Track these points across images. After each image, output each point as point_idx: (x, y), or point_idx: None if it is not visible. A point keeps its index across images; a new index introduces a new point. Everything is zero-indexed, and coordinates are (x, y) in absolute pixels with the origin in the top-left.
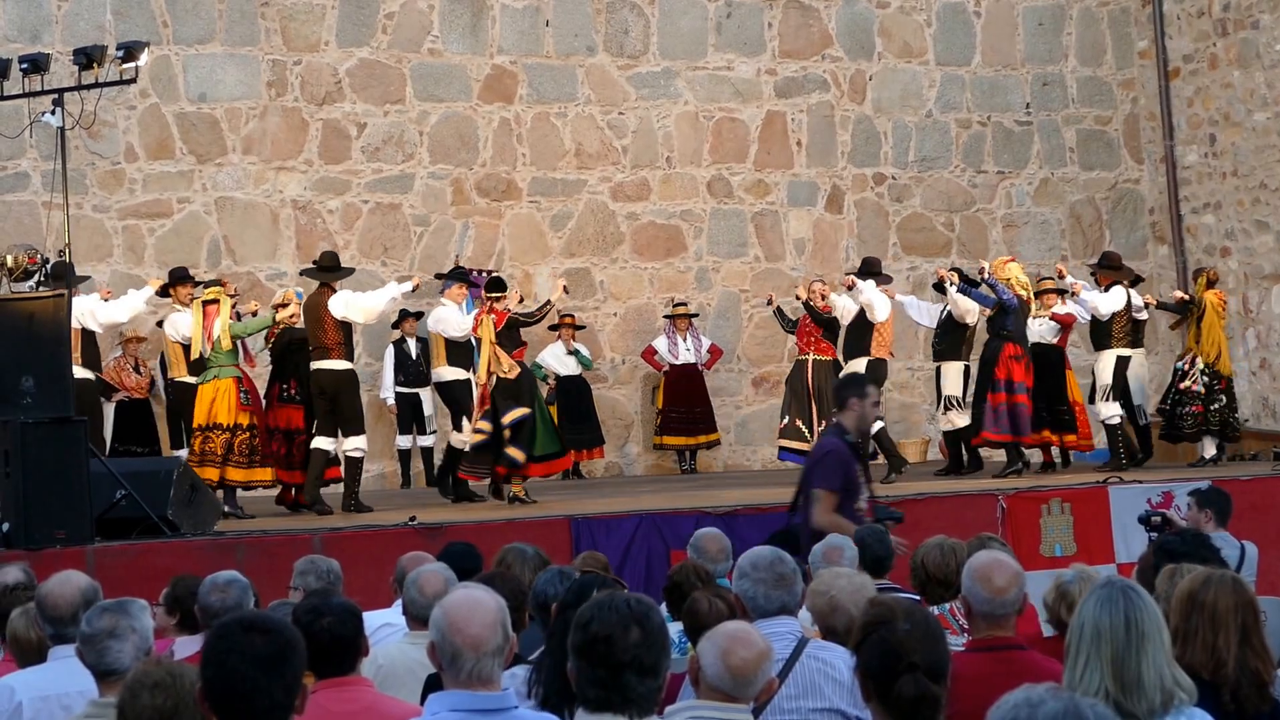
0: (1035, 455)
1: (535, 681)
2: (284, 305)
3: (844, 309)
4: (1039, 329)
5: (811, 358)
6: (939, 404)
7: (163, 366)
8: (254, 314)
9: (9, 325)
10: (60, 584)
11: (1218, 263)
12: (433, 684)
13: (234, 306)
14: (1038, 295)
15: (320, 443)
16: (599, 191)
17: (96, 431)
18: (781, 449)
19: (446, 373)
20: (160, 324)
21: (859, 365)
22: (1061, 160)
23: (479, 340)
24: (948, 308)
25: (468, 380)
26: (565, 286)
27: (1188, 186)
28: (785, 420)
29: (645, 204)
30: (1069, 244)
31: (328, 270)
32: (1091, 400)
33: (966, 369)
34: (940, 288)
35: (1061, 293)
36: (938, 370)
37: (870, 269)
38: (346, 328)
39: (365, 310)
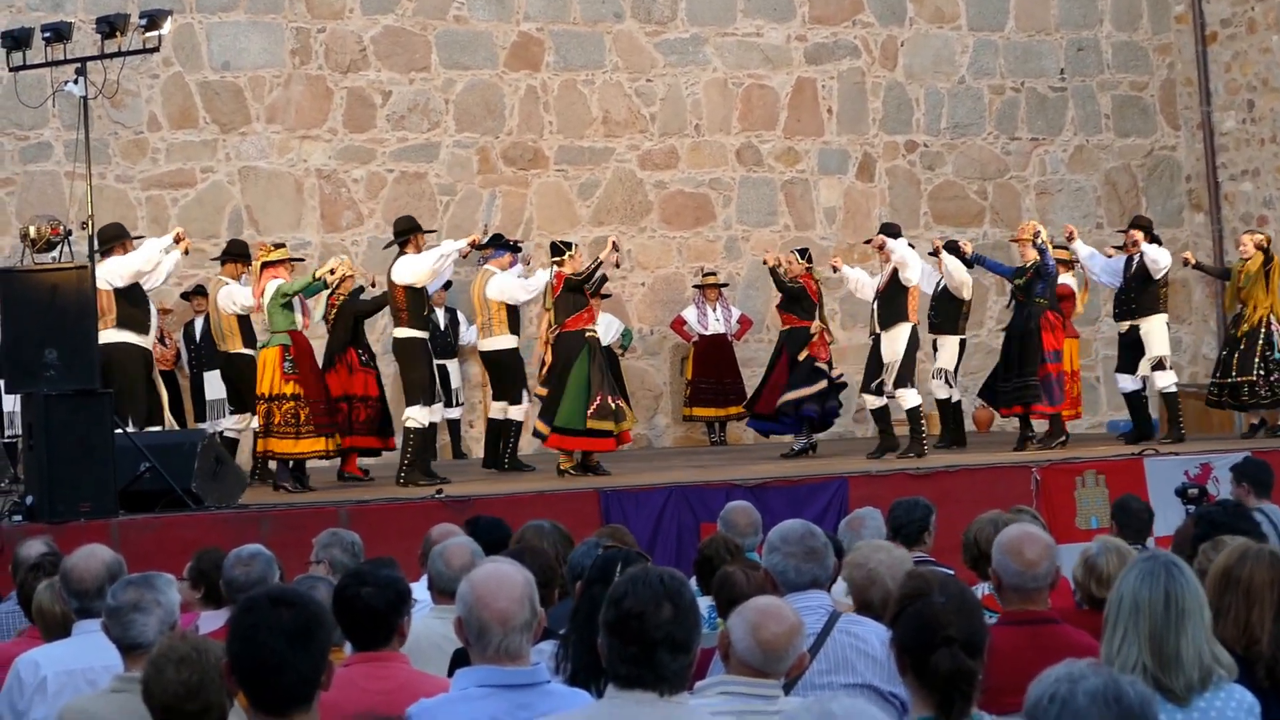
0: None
1: (563, 657)
2: (350, 276)
3: (856, 281)
4: None
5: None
6: (932, 376)
7: (196, 338)
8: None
9: (32, 297)
10: (85, 558)
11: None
12: (460, 659)
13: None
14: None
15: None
16: (627, 160)
17: (133, 397)
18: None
19: (503, 341)
20: (186, 296)
21: (900, 332)
22: (1096, 127)
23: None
24: (941, 281)
25: (517, 349)
26: (615, 243)
27: (1225, 153)
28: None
29: (674, 172)
30: (1104, 211)
31: (398, 235)
32: (1123, 370)
33: (962, 343)
34: (954, 252)
35: (1063, 264)
36: (933, 343)
37: (889, 233)
38: (414, 293)
39: (414, 272)
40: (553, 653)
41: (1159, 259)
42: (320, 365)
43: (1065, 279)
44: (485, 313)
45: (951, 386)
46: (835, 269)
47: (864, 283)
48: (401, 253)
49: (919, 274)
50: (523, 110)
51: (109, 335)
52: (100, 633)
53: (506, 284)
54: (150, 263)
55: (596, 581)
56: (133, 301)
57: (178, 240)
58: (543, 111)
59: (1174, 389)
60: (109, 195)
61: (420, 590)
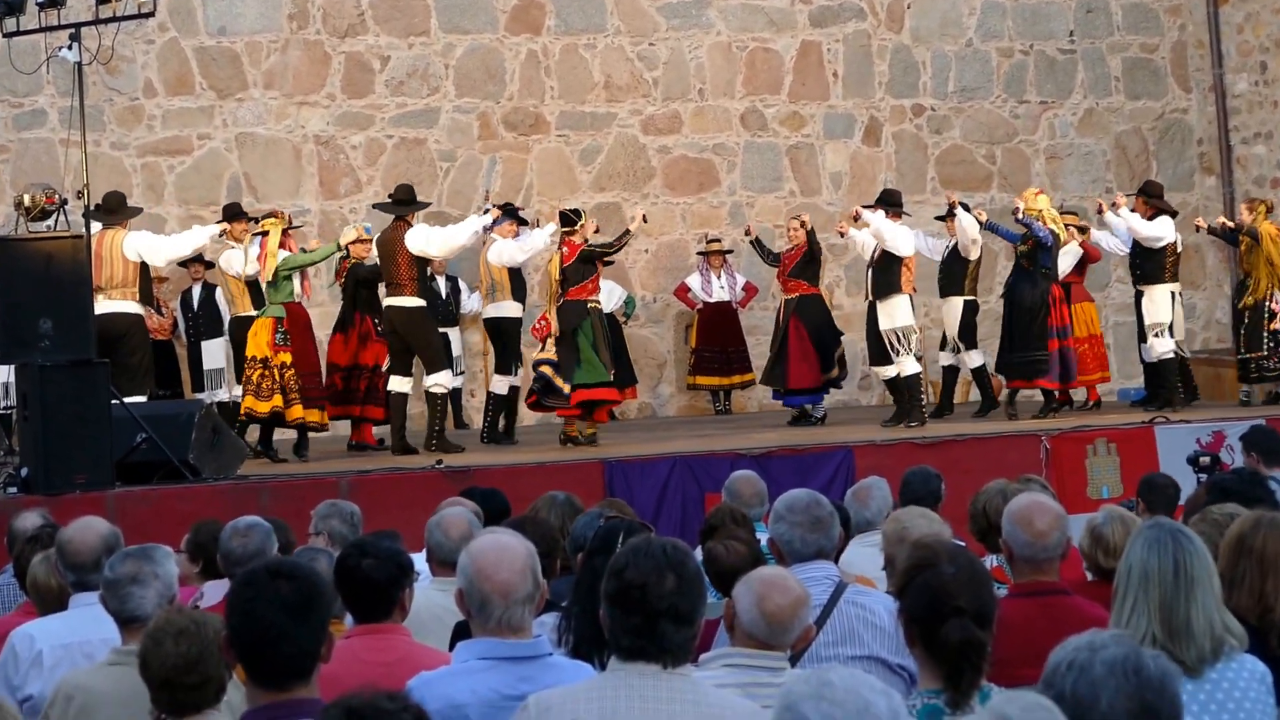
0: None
1: (565, 629)
2: (365, 240)
3: (864, 245)
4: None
5: (783, 296)
6: (948, 344)
7: (194, 306)
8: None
9: (27, 266)
10: (81, 530)
11: (1268, 194)
12: (461, 631)
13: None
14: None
15: (397, 384)
16: (629, 125)
17: (148, 370)
18: (775, 392)
19: (509, 308)
20: (183, 263)
21: (894, 304)
22: (1106, 90)
23: (546, 273)
24: (950, 242)
25: (521, 319)
26: (644, 216)
27: (1237, 116)
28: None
29: (677, 137)
30: (1114, 176)
31: (402, 204)
32: (1142, 339)
33: (970, 305)
34: (949, 215)
35: (1082, 229)
36: (941, 309)
37: (890, 201)
38: (421, 263)
39: (445, 245)
40: (555, 625)
41: (1140, 229)
42: (332, 331)
43: (1105, 240)
44: (489, 279)
45: (959, 353)
46: (842, 234)
47: (869, 247)
48: (405, 222)
49: (908, 244)
50: (523, 75)
51: (130, 307)
52: (97, 606)
53: (504, 247)
54: (201, 252)
55: (598, 552)
56: (147, 275)
57: (222, 233)
58: (544, 76)
59: (1171, 355)
60: (104, 163)
61: (422, 562)
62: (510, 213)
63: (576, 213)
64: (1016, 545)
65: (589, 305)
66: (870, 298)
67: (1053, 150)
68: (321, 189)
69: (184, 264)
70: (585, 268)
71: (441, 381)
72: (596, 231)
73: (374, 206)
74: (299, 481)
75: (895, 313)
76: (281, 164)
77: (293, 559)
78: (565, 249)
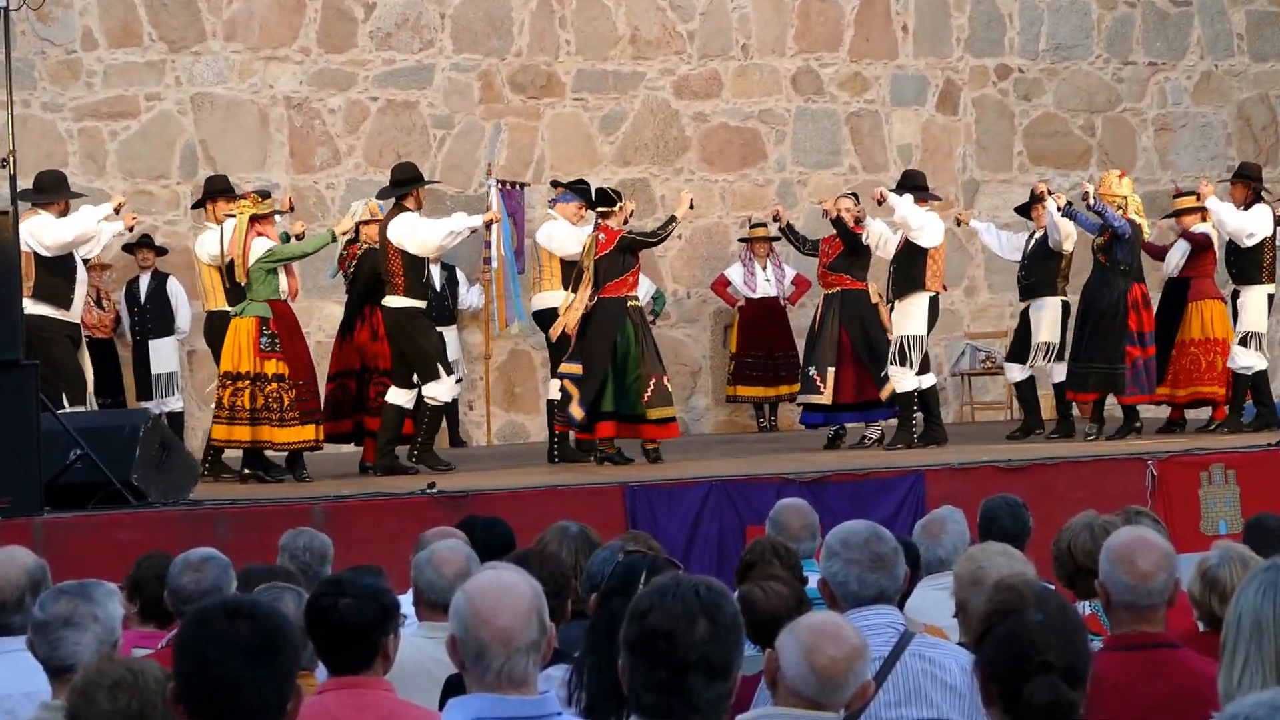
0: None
1: (577, 684)
2: (370, 222)
3: (880, 236)
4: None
5: (823, 292)
6: (1034, 352)
7: (141, 299)
8: (299, 236)
9: None
10: (2, 563)
11: None
12: (454, 687)
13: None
14: (1176, 215)
15: (392, 396)
16: (659, 87)
17: (53, 381)
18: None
19: (558, 298)
20: (129, 248)
21: (915, 302)
22: (1228, 49)
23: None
24: (1036, 234)
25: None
26: (691, 200)
27: None
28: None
29: (716, 102)
30: (1237, 151)
31: (397, 185)
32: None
33: (1065, 306)
34: (1025, 210)
35: (1202, 211)
36: (1025, 310)
37: (912, 183)
38: (413, 257)
39: (420, 241)
40: (565, 679)
41: (1229, 222)
42: (339, 328)
43: (1204, 228)
44: (543, 262)
45: (1051, 361)
46: (859, 219)
47: (888, 239)
48: (399, 207)
49: (936, 235)
50: (534, 27)
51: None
52: (19, 653)
53: (558, 232)
54: (86, 236)
55: (617, 593)
56: (56, 270)
57: (117, 210)
58: (558, 28)
59: (1247, 370)
60: (34, 126)
61: (408, 604)
62: (580, 191)
63: (616, 192)
64: (1116, 589)
65: (628, 304)
66: (891, 297)
67: (1163, 121)
68: (292, 160)
69: (130, 250)
70: (625, 258)
71: (438, 394)
72: (631, 214)
73: (379, 197)
74: (264, 508)
75: (911, 316)
76: (245, 130)
77: (253, 596)
78: (603, 235)
